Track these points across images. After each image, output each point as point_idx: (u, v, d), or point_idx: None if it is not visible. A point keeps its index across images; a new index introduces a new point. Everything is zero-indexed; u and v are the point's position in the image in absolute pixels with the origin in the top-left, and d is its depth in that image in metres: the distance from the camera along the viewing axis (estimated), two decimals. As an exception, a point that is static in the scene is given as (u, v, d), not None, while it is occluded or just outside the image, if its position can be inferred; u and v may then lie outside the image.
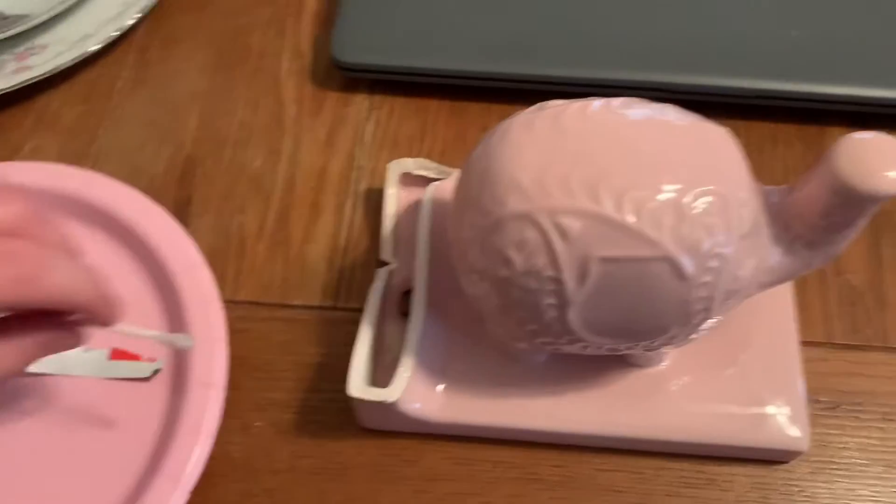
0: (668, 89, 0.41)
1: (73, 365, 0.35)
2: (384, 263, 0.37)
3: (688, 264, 0.26)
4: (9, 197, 0.24)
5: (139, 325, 0.32)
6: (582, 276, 0.26)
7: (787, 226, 0.28)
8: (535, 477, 0.33)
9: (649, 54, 0.42)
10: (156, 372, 0.34)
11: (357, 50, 0.43)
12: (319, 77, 0.45)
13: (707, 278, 0.26)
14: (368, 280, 0.38)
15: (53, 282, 0.24)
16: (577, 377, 0.34)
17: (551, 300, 0.27)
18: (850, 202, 0.26)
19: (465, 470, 0.34)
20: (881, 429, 0.34)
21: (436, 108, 0.44)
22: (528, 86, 0.42)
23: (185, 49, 0.46)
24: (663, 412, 0.33)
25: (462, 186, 0.29)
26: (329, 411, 0.35)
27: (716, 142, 0.27)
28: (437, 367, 0.34)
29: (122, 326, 0.29)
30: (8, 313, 0.25)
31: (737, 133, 0.42)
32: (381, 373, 0.35)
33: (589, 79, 0.42)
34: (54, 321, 0.27)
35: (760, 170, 0.41)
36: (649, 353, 0.32)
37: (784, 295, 0.36)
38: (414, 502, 0.33)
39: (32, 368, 0.34)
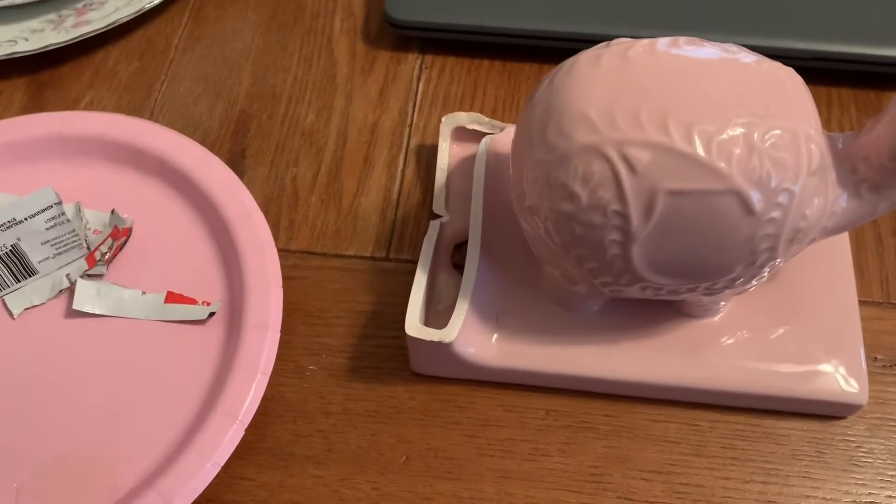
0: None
1: (130, 307, 0.35)
2: (436, 216, 0.37)
3: (756, 199, 0.26)
4: None
5: (196, 271, 0.32)
6: (648, 210, 0.26)
7: (853, 168, 0.28)
8: (586, 425, 0.33)
9: (704, 15, 0.42)
10: (211, 315, 0.35)
11: (410, 7, 0.43)
12: (372, 36, 0.45)
13: (775, 214, 0.26)
14: (420, 233, 0.38)
15: None
16: (630, 327, 0.34)
17: (615, 236, 0.27)
18: (922, 141, 0.26)
19: (517, 416, 0.34)
20: (940, 387, 0.34)
21: (487, 68, 0.44)
22: (581, 45, 0.42)
23: (240, 8, 0.47)
24: (718, 364, 0.33)
25: (524, 125, 0.29)
26: (381, 357, 0.35)
27: (783, 79, 0.27)
28: (491, 314, 0.34)
29: None
30: None
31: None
32: (433, 321, 0.35)
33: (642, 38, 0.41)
34: None
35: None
36: (707, 300, 0.32)
37: (842, 253, 0.35)
38: (465, 446, 0.33)
39: (91, 309, 0.35)
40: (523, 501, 0.32)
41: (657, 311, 0.34)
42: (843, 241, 0.35)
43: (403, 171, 0.40)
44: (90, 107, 0.43)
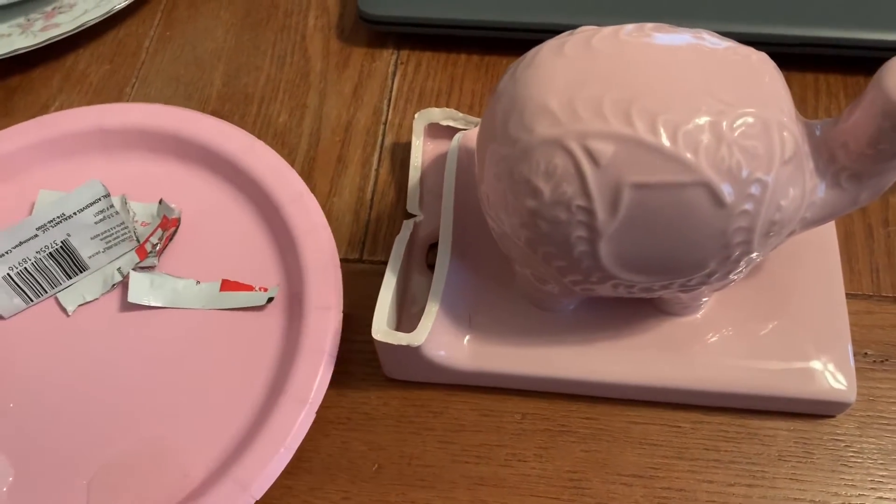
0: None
1: (185, 298, 0.35)
2: (411, 216, 0.36)
3: (726, 190, 0.24)
4: None
5: (251, 257, 0.34)
6: (614, 204, 0.25)
7: (832, 157, 0.27)
8: (564, 429, 0.32)
9: (689, 2, 0.41)
10: (270, 300, 0.34)
11: (383, 2, 0.42)
12: (346, 32, 0.44)
13: (747, 206, 0.25)
14: (395, 233, 0.37)
15: None
16: (608, 326, 0.32)
17: (581, 232, 0.26)
18: (901, 126, 0.25)
19: (493, 421, 0.33)
20: (933, 383, 0.33)
21: (464, 62, 0.43)
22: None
23: (212, 8, 0.46)
24: (701, 363, 0.32)
25: (488, 118, 0.28)
26: (354, 362, 0.34)
27: (755, 65, 0.26)
28: (463, 315, 0.33)
29: None
30: None
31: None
32: (406, 324, 0.34)
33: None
34: None
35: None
36: (685, 297, 0.31)
37: (829, 246, 0.34)
38: (439, 453, 0.32)
39: (147, 302, 0.34)
40: (499, 509, 0.31)
41: (636, 310, 0.32)
42: (830, 232, 0.34)
43: (378, 170, 0.39)
44: (61, 110, 0.42)
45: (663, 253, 0.26)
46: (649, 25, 0.27)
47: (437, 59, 0.43)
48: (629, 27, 0.26)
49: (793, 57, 0.41)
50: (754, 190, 0.25)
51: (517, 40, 0.42)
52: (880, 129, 0.25)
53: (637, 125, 0.24)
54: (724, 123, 0.24)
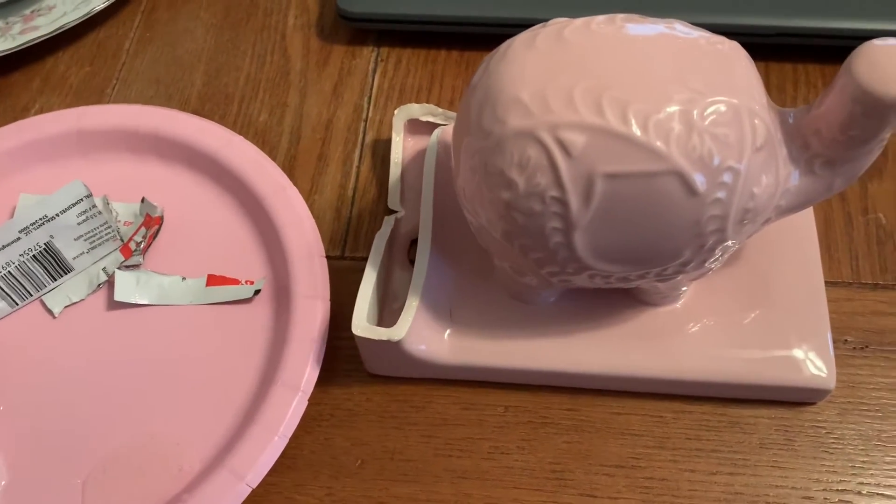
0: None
1: (172, 294, 0.35)
2: (393, 212, 0.36)
3: (699, 178, 0.25)
4: None
5: (236, 251, 0.34)
6: (587, 195, 0.25)
7: (805, 144, 0.27)
8: (546, 421, 0.32)
9: (663, -5, 0.41)
10: (257, 292, 0.34)
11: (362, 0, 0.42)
12: (326, 31, 0.44)
13: (720, 194, 0.25)
14: (376, 229, 0.37)
15: None
16: (588, 318, 0.32)
17: (556, 224, 0.26)
18: (871, 111, 0.25)
19: (475, 415, 0.33)
20: (913, 368, 0.33)
21: (444, 58, 0.43)
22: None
23: (192, 9, 0.46)
24: (682, 353, 0.32)
25: (463, 112, 0.28)
26: (337, 358, 0.34)
27: (725, 53, 0.26)
28: (444, 310, 0.33)
29: None
30: None
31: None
32: (388, 319, 0.34)
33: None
34: None
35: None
36: (663, 286, 0.31)
37: (808, 234, 0.34)
38: (422, 447, 0.32)
39: (134, 300, 0.34)
40: (482, 502, 0.31)
41: (615, 301, 0.33)
42: (809, 220, 0.34)
43: (359, 167, 0.39)
44: (41, 113, 0.42)
45: (638, 242, 0.26)
46: (621, 16, 0.27)
47: (417, 56, 0.43)
48: (600, 18, 0.27)
49: (771, 47, 0.41)
50: (726, 178, 0.25)
51: (497, 35, 0.42)
52: (851, 115, 0.25)
53: (608, 115, 0.24)
54: (695, 112, 0.24)
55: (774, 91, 0.41)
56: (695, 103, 0.24)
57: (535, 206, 0.26)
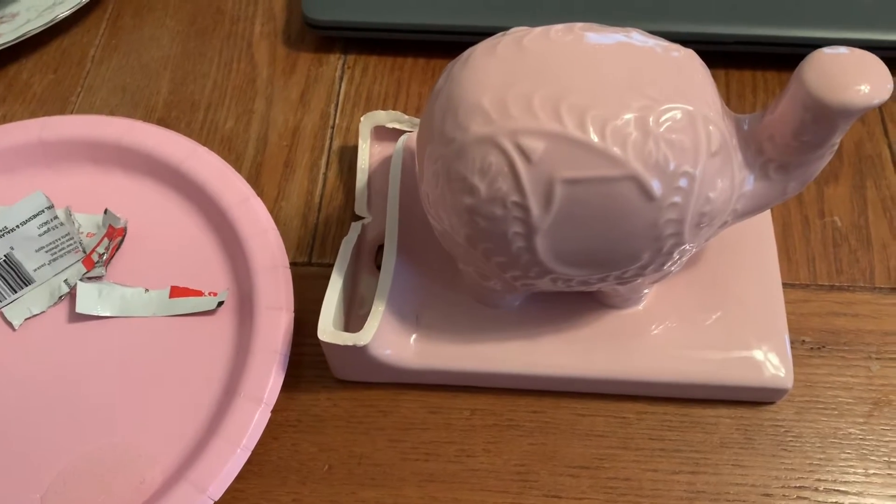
0: (645, 38, 0.41)
1: (135, 306, 0.35)
2: (360, 218, 0.37)
3: (655, 183, 0.25)
4: None
5: (199, 263, 0.34)
6: (547, 200, 0.26)
7: (759, 149, 0.28)
8: (512, 423, 0.33)
9: (627, 2, 0.42)
10: (220, 304, 0.34)
11: (328, 7, 0.42)
12: (293, 38, 0.44)
13: (676, 199, 0.26)
14: (343, 236, 0.37)
15: None
16: (554, 321, 0.33)
17: (517, 228, 0.26)
18: (821, 118, 0.26)
19: (441, 418, 0.33)
20: (867, 368, 0.34)
21: (410, 66, 0.43)
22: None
23: (158, 16, 0.46)
24: (644, 354, 0.32)
25: (426, 118, 0.28)
26: (304, 364, 0.34)
27: (680, 61, 0.27)
28: (410, 314, 0.33)
29: None
30: None
31: (717, 81, 0.42)
32: (354, 325, 0.34)
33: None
34: None
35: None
36: (624, 289, 0.31)
37: (766, 238, 0.35)
38: (389, 451, 0.32)
39: (96, 312, 0.34)
40: (448, 505, 0.31)
41: (579, 304, 0.33)
42: (767, 223, 0.35)
43: (326, 173, 0.40)
44: (4, 122, 0.42)
45: (597, 246, 0.27)
46: (579, 25, 0.27)
47: (384, 63, 0.43)
48: (559, 27, 0.27)
49: (731, 55, 0.42)
50: (682, 183, 0.25)
51: (462, 43, 0.42)
52: (802, 121, 0.26)
53: (566, 121, 0.25)
54: (651, 118, 0.25)
55: (734, 97, 0.42)
56: (650, 110, 0.25)
57: (496, 210, 0.26)
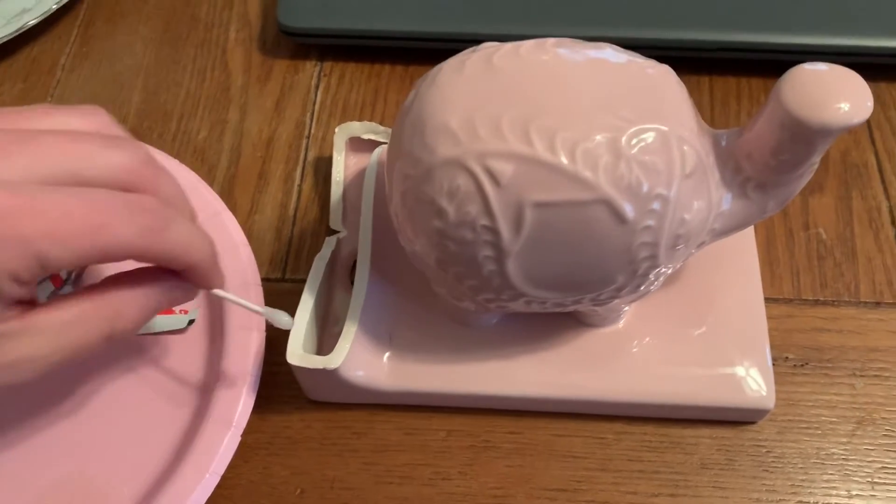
0: (630, 45, 0.40)
1: None
2: (335, 232, 0.36)
3: (627, 207, 0.24)
4: (129, 144, 0.24)
5: None
6: (517, 223, 0.25)
7: (737, 168, 0.27)
8: (488, 444, 0.32)
9: (608, 9, 0.41)
10: (191, 322, 0.33)
11: (304, 14, 0.41)
12: (268, 45, 0.43)
13: (649, 222, 0.25)
14: (319, 250, 0.36)
15: (176, 236, 0.24)
16: (531, 340, 0.32)
17: (488, 252, 0.26)
18: (799, 137, 0.25)
19: (417, 440, 0.32)
20: (851, 385, 0.33)
21: (388, 73, 0.42)
22: (481, 46, 0.41)
23: (130, 23, 0.45)
24: (623, 373, 0.32)
25: (395, 136, 0.28)
26: (277, 385, 0.33)
27: (655, 79, 0.26)
28: (384, 334, 0.32)
29: (221, 292, 0.28)
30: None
31: (700, 88, 0.41)
32: (328, 343, 0.33)
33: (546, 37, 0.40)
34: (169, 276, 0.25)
35: (726, 125, 0.40)
36: (601, 309, 0.30)
37: (748, 251, 0.34)
38: (363, 475, 0.31)
39: None
40: (423, 530, 0.30)
41: (557, 323, 0.32)
42: (749, 239, 0.34)
43: (301, 185, 0.39)
44: (-27, 133, 0.41)
45: (570, 269, 0.26)
46: (550, 41, 0.26)
47: (361, 71, 0.42)
48: (529, 44, 0.26)
49: (714, 62, 0.41)
50: (656, 205, 0.25)
51: (440, 50, 0.41)
52: (780, 140, 0.25)
53: (536, 144, 0.24)
54: (623, 140, 0.24)
55: (718, 105, 0.41)
56: (622, 131, 0.24)
57: (466, 234, 0.25)
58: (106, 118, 0.25)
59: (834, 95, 0.24)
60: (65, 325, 0.23)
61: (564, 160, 0.24)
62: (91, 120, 0.24)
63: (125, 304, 0.24)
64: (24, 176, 0.21)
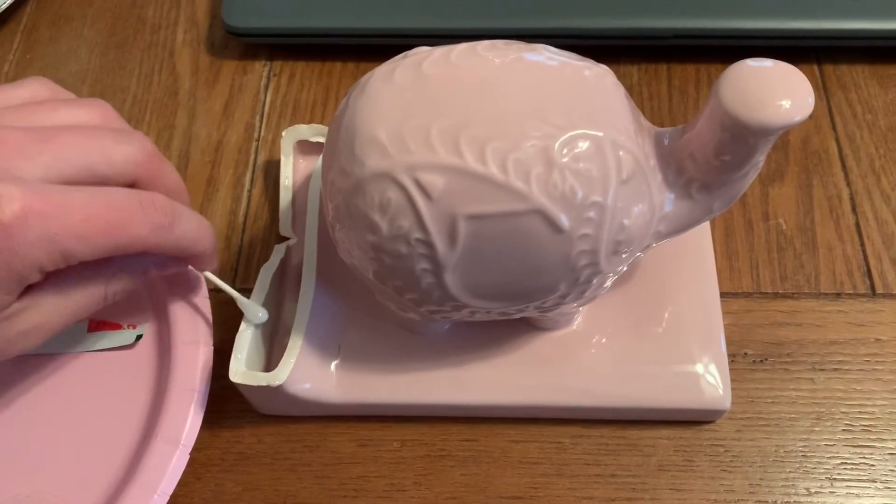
0: (584, 35, 0.39)
1: (51, 342, 0.33)
2: (285, 239, 0.35)
3: (562, 216, 0.24)
4: (136, 137, 0.26)
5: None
6: (451, 236, 0.24)
7: (680, 168, 0.26)
8: (443, 453, 0.31)
9: (560, -2, 0.40)
10: (139, 338, 0.33)
11: (249, 13, 0.40)
12: (216, 47, 0.42)
13: (587, 230, 0.24)
14: (269, 259, 0.36)
15: (184, 230, 0.27)
16: (483, 345, 0.32)
17: (425, 265, 0.25)
18: (739, 137, 0.24)
19: (371, 451, 0.32)
20: (811, 380, 0.32)
21: (339, 71, 0.41)
22: (434, 41, 0.39)
23: (75, 27, 0.43)
24: (577, 376, 0.31)
25: (327, 148, 0.27)
26: (227, 399, 0.33)
27: (591, 81, 0.25)
28: (332, 344, 0.32)
29: (211, 275, 0.31)
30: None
31: (658, 76, 0.40)
32: (278, 354, 0.32)
33: (499, 29, 0.39)
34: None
35: (685, 113, 0.39)
36: (550, 314, 0.30)
37: (703, 246, 0.33)
38: (316, 489, 0.31)
39: None
40: (377, 543, 0.30)
41: (509, 328, 0.32)
42: (705, 235, 0.34)
43: (250, 191, 0.38)
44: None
45: (510, 279, 0.25)
46: (483, 44, 0.25)
47: (312, 69, 0.41)
48: (461, 48, 0.25)
49: (671, 49, 0.40)
50: (592, 213, 0.24)
51: (391, 46, 0.40)
52: (721, 140, 0.24)
53: (466, 155, 0.23)
54: (555, 147, 0.23)
55: (676, 93, 0.40)
56: (554, 139, 0.23)
57: (401, 248, 0.25)
58: (109, 109, 0.28)
59: (774, 93, 0.24)
60: (66, 292, 0.26)
61: (496, 171, 0.23)
62: (97, 112, 0.27)
63: (118, 270, 0.27)
64: (48, 175, 0.24)
